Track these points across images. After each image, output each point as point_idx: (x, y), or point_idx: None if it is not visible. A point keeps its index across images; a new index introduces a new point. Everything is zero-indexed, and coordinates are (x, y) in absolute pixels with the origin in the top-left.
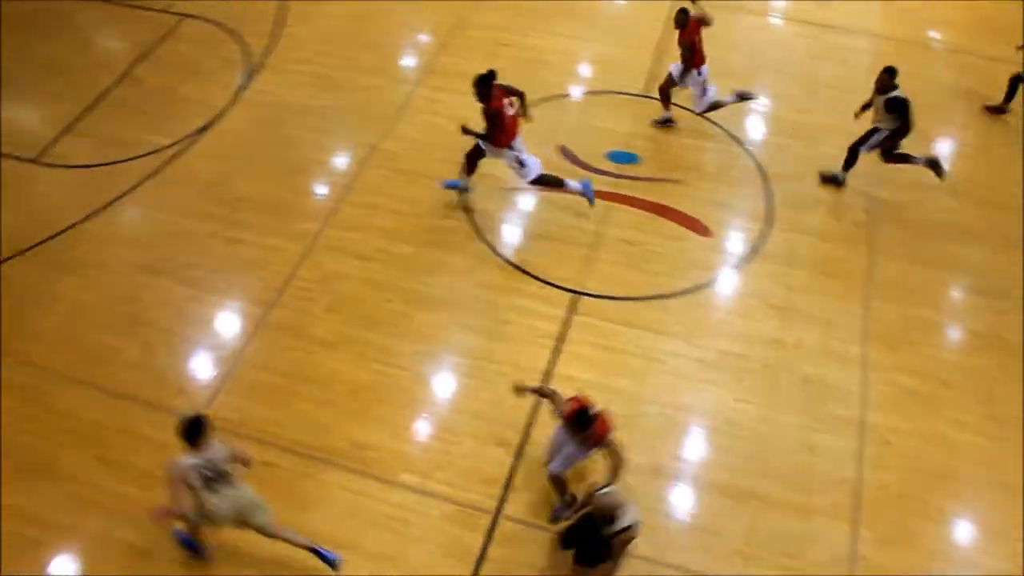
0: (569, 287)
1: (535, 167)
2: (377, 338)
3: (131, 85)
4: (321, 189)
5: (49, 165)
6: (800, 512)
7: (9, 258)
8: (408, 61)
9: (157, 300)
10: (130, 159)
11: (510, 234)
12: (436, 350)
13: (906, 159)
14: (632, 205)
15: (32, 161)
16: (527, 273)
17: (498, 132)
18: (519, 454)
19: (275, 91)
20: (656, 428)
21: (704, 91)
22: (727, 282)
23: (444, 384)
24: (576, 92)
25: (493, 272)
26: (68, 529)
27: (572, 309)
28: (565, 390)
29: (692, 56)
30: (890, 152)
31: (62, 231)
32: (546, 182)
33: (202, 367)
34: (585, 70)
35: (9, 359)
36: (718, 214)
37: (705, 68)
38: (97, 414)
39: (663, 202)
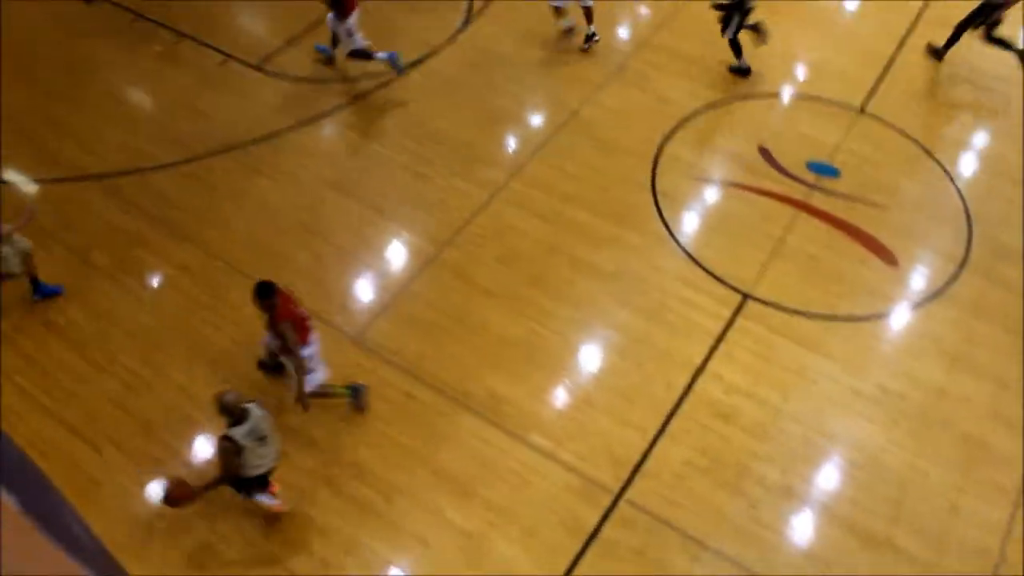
0: (740, 288)
1: (359, 41)
2: (537, 297)
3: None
4: (514, 142)
5: (269, 73)
6: (927, 570)
7: (219, 152)
8: (624, 32)
9: (337, 217)
10: (342, 80)
11: (691, 223)
12: (592, 321)
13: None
14: (822, 219)
15: (255, 67)
16: (700, 266)
17: (344, 6)
18: (654, 442)
19: (488, 39)
20: (795, 447)
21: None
22: (902, 317)
23: (592, 356)
24: (788, 94)
25: (666, 257)
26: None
27: (738, 310)
28: (710, 388)
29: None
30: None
31: (267, 136)
32: (359, 55)
33: (366, 290)
34: (802, 73)
35: (197, 246)
36: (910, 246)
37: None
38: None
39: (855, 222)
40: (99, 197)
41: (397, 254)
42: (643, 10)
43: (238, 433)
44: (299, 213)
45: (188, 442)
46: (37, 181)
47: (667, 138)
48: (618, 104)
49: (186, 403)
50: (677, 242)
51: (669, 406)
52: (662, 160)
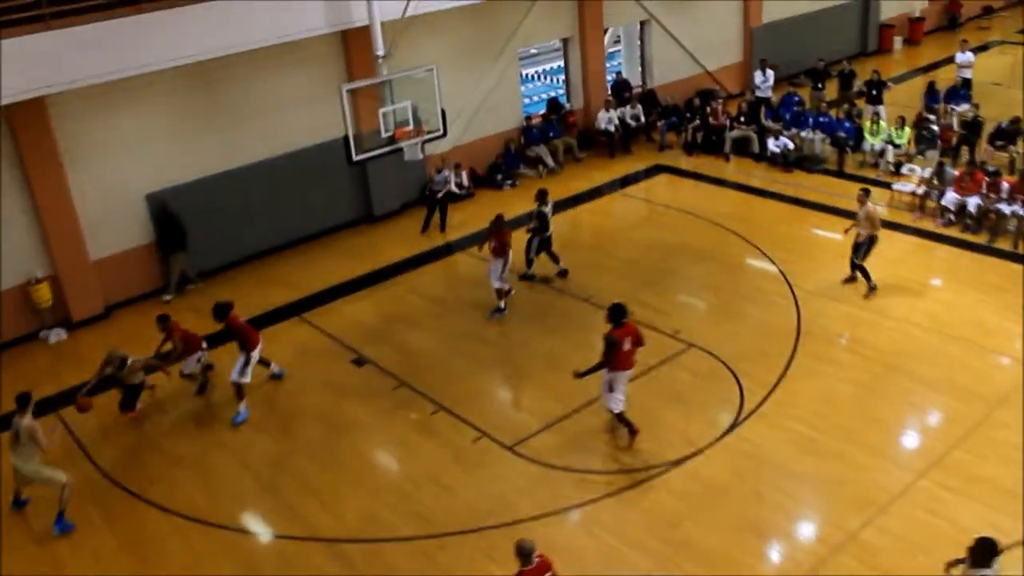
0: None
1: (247, 374)
2: None
3: None
4: (776, 559)
5: (520, 455)
6: None
7: (456, 533)
8: (913, 443)
9: None
10: (594, 472)
11: None
12: None
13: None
14: None
15: (507, 447)
16: None
17: (249, 340)
18: None
19: (758, 443)
20: None
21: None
22: None
23: None
24: None
25: None
26: None
27: None
28: None
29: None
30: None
31: (509, 523)
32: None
33: None
34: None
35: None
36: None
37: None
38: None
39: None
40: (326, 561)
41: None
42: (935, 421)
43: None
44: None
45: None
46: (275, 536)
47: None
48: (904, 530)
49: None
50: None
51: None
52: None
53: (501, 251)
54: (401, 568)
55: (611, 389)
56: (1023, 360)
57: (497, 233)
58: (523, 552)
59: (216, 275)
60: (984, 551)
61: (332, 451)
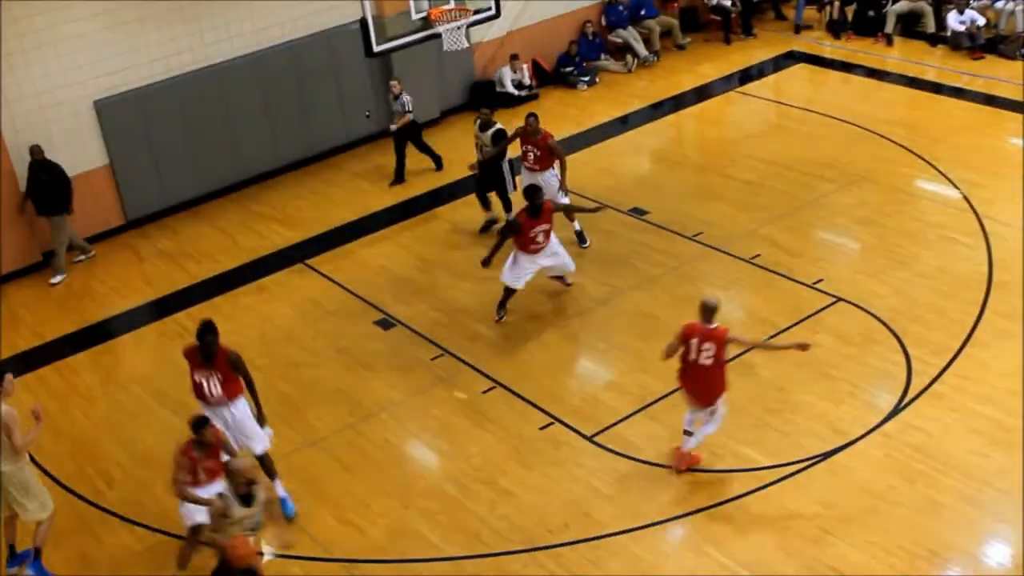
0: None
1: None
2: None
3: (744, 374)
4: None
5: (601, 447)
6: None
7: (518, 551)
8: None
9: None
10: (704, 469)
11: None
12: None
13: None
14: None
15: (586, 437)
16: None
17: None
18: None
19: (933, 432)
20: None
21: None
22: None
23: None
24: None
25: None
26: None
27: None
28: None
29: None
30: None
31: (589, 538)
32: None
33: None
34: None
35: None
36: None
37: None
38: None
39: None
40: None
41: None
42: None
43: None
44: None
45: None
46: (279, 556)
47: None
48: None
49: None
50: None
51: None
52: None
53: (546, 160)
54: None
55: (514, 261)
56: None
57: (527, 135)
58: (708, 308)
59: (190, 209)
60: None
61: (352, 444)
